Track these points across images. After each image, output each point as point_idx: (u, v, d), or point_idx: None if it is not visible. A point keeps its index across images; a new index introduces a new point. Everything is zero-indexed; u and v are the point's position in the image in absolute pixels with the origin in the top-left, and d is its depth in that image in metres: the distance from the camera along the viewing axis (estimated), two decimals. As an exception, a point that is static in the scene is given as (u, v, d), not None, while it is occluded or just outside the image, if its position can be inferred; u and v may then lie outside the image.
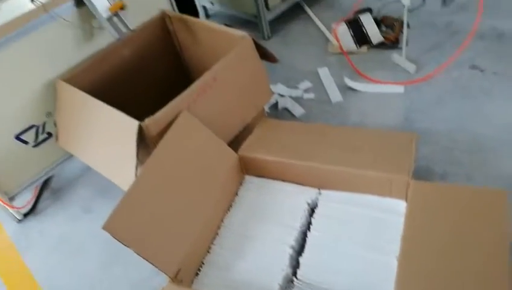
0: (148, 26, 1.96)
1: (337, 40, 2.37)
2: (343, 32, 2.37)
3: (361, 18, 2.36)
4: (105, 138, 1.60)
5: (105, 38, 1.87)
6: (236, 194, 1.61)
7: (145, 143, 1.42)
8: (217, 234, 1.51)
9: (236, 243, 1.46)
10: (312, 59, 2.40)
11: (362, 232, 1.36)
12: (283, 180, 1.59)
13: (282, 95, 2.20)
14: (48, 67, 1.77)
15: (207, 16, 3.02)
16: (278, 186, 1.59)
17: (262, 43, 1.88)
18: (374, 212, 1.40)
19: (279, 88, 2.24)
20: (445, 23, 2.38)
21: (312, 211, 1.49)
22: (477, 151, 1.70)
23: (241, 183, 1.64)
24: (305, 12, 2.80)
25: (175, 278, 1.30)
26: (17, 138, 1.79)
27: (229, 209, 1.57)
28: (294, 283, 1.32)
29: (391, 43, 2.30)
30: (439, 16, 2.42)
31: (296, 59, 2.44)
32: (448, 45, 2.23)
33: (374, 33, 2.32)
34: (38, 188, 2.05)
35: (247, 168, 1.64)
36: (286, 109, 2.14)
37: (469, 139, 1.75)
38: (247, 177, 1.65)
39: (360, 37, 2.35)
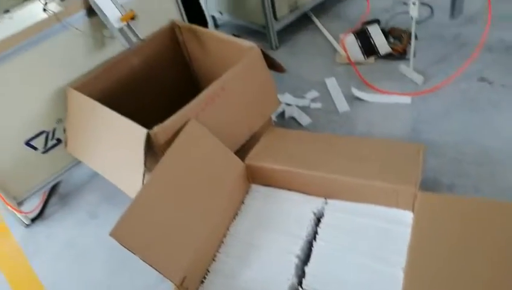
0: (157, 36, 1.99)
1: (345, 51, 2.39)
2: (351, 43, 2.38)
3: (369, 29, 2.38)
4: (113, 145, 1.61)
5: (116, 47, 1.90)
6: (243, 202, 1.61)
7: (153, 151, 1.43)
8: (223, 242, 1.51)
9: (242, 252, 1.46)
10: (319, 69, 2.42)
11: (368, 243, 1.35)
12: (289, 190, 1.59)
13: (289, 104, 2.21)
14: (59, 75, 1.80)
15: (216, 25, 3.06)
16: (284, 195, 1.59)
17: (270, 52, 1.90)
18: (381, 222, 1.39)
19: (286, 97, 2.25)
20: (453, 35, 2.38)
21: (318, 220, 1.49)
22: (485, 163, 1.69)
23: (247, 192, 1.65)
24: (313, 22, 2.83)
25: (180, 286, 1.30)
26: (27, 143, 1.82)
27: (235, 218, 1.57)
28: (300, 292, 1.31)
29: (399, 54, 2.31)
30: (447, 27, 2.42)
31: (304, 69, 2.46)
32: (456, 56, 2.23)
33: (382, 44, 2.33)
34: (46, 194, 2.07)
35: (254, 176, 1.65)
36: (293, 118, 2.15)
37: (477, 151, 1.74)
38: (254, 186, 1.66)
39: (368, 47, 2.36)
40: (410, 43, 2.11)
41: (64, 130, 1.85)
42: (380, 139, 1.89)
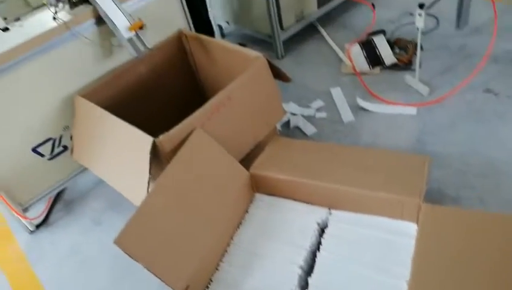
0: (165, 45, 2.01)
1: (351, 61, 2.40)
2: (357, 53, 2.39)
3: (374, 39, 2.39)
4: (119, 152, 1.62)
5: (123, 56, 1.92)
6: (247, 211, 1.62)
7: (158, 159, 1.44)
8: (226, 251, 1.51)
9: (245, 261, 1.45)
10: (325, 79, 2.43)
11: (372, 254, 1.35)
12: (293, 199, 1.59)
13: (294, 114, 2.21)
14: (67, 83, 1.82)
15: (222, 35, 3.08)
16: (288, 205, 1.59)
17: (276, 62, 1.91)
18: (385, 234, 1.39)
19: (291, 107, 2.26)
20: (458, 46, 2.39)
21: (322, 231, 1.49)
22: (491, 175, 1.68)
23: (251, 201, 1.65)
24: (318, 32, 2.84)
25: (183, 295, 1.30)
26: (34, 150, 1.84)
27: (238, 227, 1.57)
28: (303, 303, 1.31)
29: (404, 64, 2.31)
30: (453, 38, 2.43)
31: (309, 78, 2.46)
32: (461, 67, 2.23)
33: (387, 54, 2.34)
34: (52, 200, 2.08)
35: (258, 186, 1.65)
36: (298, 128, 2.15)
37: (482, 162, 1.73)
38: (258, 195, 1.66)
39: (373, 58, 2.37)
40: (415, 54, 2.12)
41: (71, 137, 1.87)
42: (385, 149, 1.89)
